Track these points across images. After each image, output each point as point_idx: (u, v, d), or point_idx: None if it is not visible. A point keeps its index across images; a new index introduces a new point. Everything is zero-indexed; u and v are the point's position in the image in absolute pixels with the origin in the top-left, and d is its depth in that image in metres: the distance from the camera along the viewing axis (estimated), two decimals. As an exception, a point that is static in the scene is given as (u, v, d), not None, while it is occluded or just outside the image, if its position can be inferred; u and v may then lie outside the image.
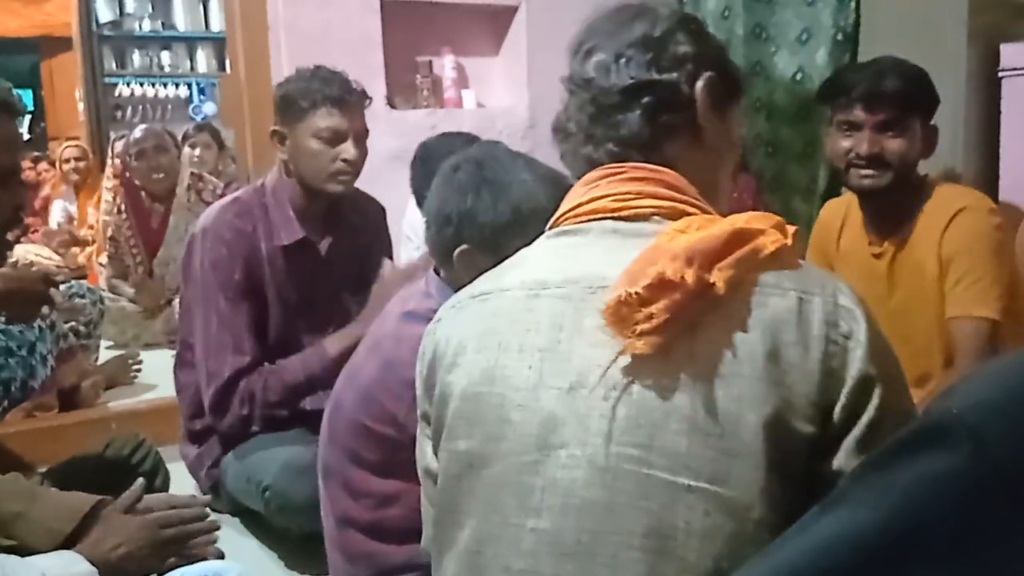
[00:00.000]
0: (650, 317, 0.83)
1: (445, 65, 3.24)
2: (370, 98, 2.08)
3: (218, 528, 1.47)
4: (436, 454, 0.99)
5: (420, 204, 2.39)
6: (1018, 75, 2.21)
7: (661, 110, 0.97)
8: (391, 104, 2.99)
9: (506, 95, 3.36)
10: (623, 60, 0.97)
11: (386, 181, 2.16)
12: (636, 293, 0.83)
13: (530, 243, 1.02)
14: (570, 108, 1.01)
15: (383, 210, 2.32)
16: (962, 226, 1.83)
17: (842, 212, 2.07)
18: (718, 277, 0.83)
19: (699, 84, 0.98)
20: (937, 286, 1.87)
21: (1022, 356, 0.59)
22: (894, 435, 0.59)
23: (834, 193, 2.84)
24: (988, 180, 2.29)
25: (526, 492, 0.87)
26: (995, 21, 2.36)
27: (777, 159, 3.00)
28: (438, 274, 1.47)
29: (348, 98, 1.99)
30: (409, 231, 2.64)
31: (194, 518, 1.42)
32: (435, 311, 1.07)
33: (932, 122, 1.87)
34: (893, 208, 1.92)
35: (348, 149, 1.99)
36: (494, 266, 1.02)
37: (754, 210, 0.96)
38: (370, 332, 1.55)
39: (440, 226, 1.39)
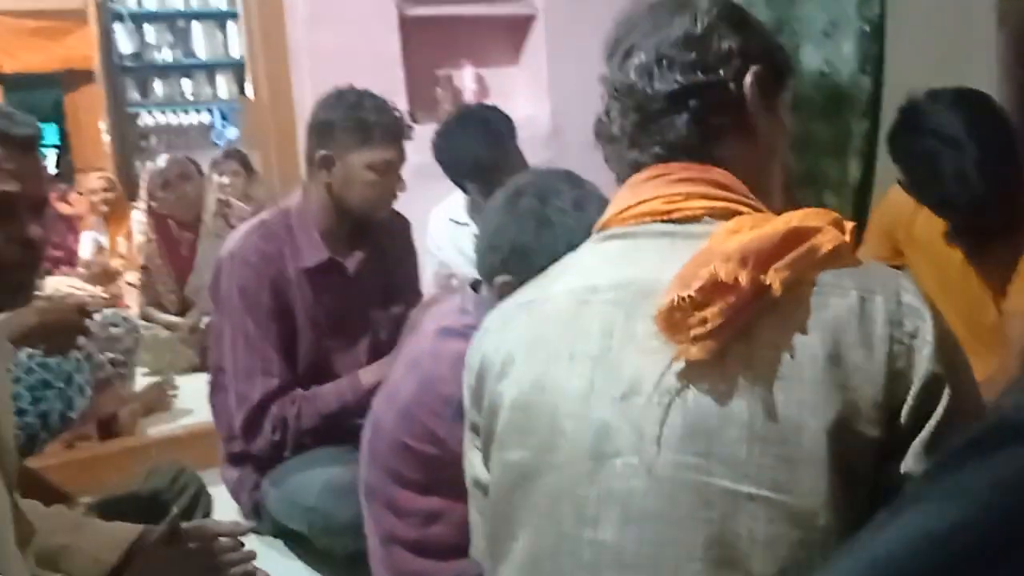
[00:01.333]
0: (704, 322, 0.80)
1: (465, 77, 3.24)
2: (412, 127, 2.14)
3: (254, 557, 1.47)
4: (486, 465, 0.98)
5: (446, 166, 2.43)
6: (1051, 57, 2.16)
7: (710, 112, 0.93)
8: (414, 119, 2.97)
9: (527, 104, 3.35)
10: (665, 62, 0.93)
11: (410, 195, 2.15)
12: (689, 297, 0.80)
13: None
14: (612, 112, 0.98)
15: (409, 224, 2.33)
16: None
17: (912, 199, 2.00)
18: (774, 278, 0.80)
19: (747, 80, 0.94)
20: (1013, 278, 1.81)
21: None
22: (962, 435, 0.57)
23: (866, 186, 2.81)
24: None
25: (581, 502, 0.85)
26: (1024, 4, 2.31)
27: (808, 154, 2.96)
28: (475, 290, 1.47)
29: (403, 133, 2.06)
30: (432, 246, 2.64)
31: (231, 548, 1.42)
32: (472, 327, 1.07)
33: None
34: None
35: (400, 181, 2.08)
36: None
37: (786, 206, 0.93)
38: (406, 351, 1.55)
39: (491, 250, 1.38)
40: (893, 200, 2.11)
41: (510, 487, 0.91)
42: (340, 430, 1.97)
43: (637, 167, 0.96)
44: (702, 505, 0.80)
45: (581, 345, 0.89)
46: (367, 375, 1.99)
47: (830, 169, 2.93)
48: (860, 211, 2.72)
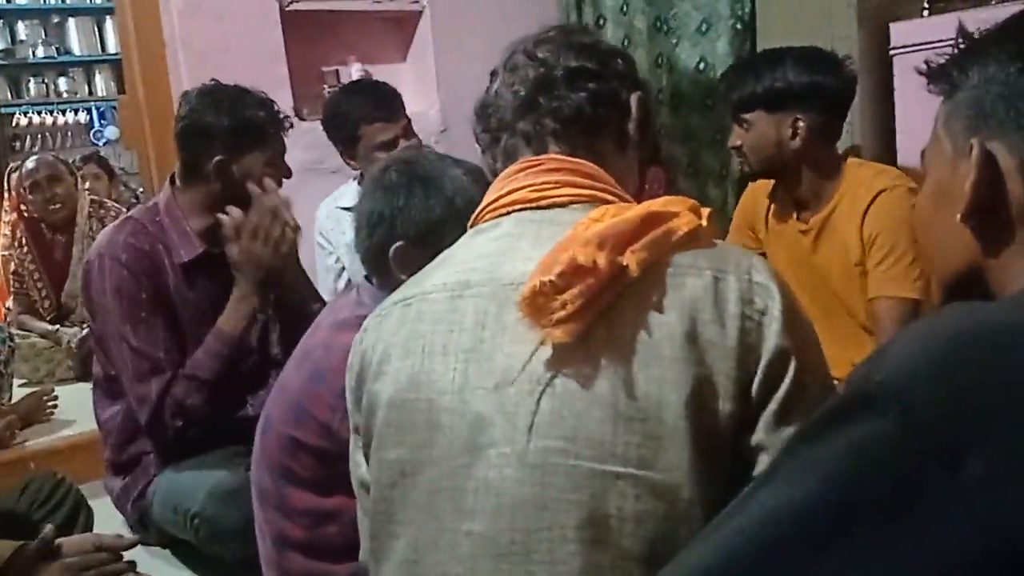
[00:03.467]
0: (565, 305, 0.83)
1: (352, 73, 3.20)
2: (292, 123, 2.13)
3: (133, 568, 1.43)
4: (369, 465, 0.98)
5: (335, 135, 2.45)
6: (907, 52, 2.29)
7: (602, 102, 1.00)
8: (299, 115, 2.94)
9: (416, 101, 3.33)
10: (572, 51, 1.01)
11: (296, 192, 2.12)
12: (550, 281, 0.83)
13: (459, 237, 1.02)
14: (501, 88, 1.03)
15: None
16: (883, 207, 1.90)
17: (768, 191, 2.14)
18: (631, 260, 0.84)
19: (633, 97, 1.03)
20: (860, 263, 1.94)
21: (937, 321, 0.61)
22: (821, 407, 0.60)
23: (744, 178, 2.92)
24: (885, 155, 2.37)
25: (460, 496, 0.86)
26: (883, 2, 2.45)
27: (689, 147, 3.06)
28: (370, 281, 1.46)
29: (286, 124, 2.06)
30: (321, 239, 2.61)
31: (111, 561, 1.38)
32: (366, 318, 1.05)
33: (799, 114, 1.93)
34: (801, 189, 2.03)
35: (286, 168, 2.07)
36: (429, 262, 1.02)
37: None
38: (301, 343, 1.52)
39: (373, 227, 1.38)
40: (751, 192, 2.24)
41: (389, 485, 0.92)
42: (245, 423, 1.88)
43: (527, 138, 1.00)
44: (571, 488, 0.82)
45: (455, 339, 0.90)
46: (225, 322, 1.95)
47: (711, 161, 3.03)
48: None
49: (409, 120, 2.44)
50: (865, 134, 2.42)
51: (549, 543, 0.82)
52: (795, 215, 2.08)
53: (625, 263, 0.83)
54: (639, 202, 0.95)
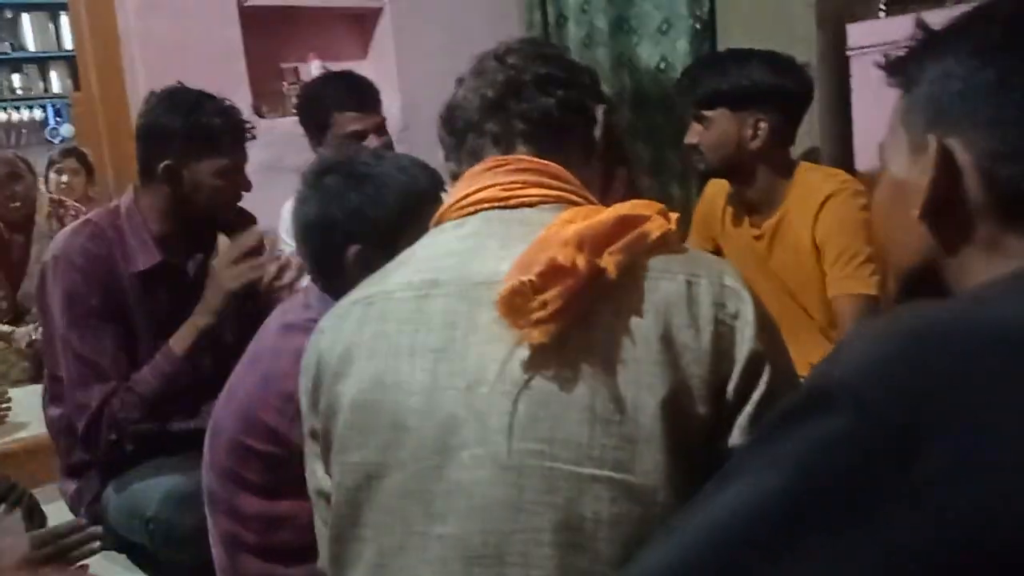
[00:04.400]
0: (544, 305, 0.82)
1: (312, 71, 3.16)
2: (254, 126, 2.08)
3: (100, 533, 1.39)
4: (328, 473, 0.96)
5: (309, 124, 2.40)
6: (864, 53, 2.31)
7: (570, 109, 1.00)
8: (258, 113, 2.91)
9: (377, 99, 3.31)
10: (540, 60, 1.02)
11: (258, 192, 2.09)
12: (530, 281, 0.82)
13: (424, 230, 1.01)
14: (468, 92, 1.02)
15: (255, 221, 2.24)
16: (831, 212, 1.92)
17: (725, 193, 2.15)
18: (609, 262, 0.84)
19: (599, 109, 1.03)
20: (815, 266, 1.96)
21: (892, 319, 0.61)
22: (781, 404, 0.60)
23: (708, 178, 2.93)
24: (843, 156, 2.39)
25: (429, 499, 0.85)
26: (841, 3, 2.47)
27: (651, 145, 3.07)
28: (317, 284, 1.44)
29: (246, 135, 2.02)
30: (287, 236, 2.58)
31: (69, 532, 1.35)
32: (315, 321, 1.04)
33: (761, 114, 1.95)
34: (753, 191, 2.04)
35: (246, 181, 2.03)
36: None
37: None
38: (249, 348, 1.50)
39: (324, 231, 1.35)
40: (709, 194, 2.26)
41: (354, 489, 0.90)
42: (189, 435, 1.87)
43: (495, 139, 0.99)
44: (547, 490, 0.81)
45: (423, 339, 0.89)
46: (177, 341, 1.90)
47: (673, 160, 3.04)
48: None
49: (384, 119, 2.41)
50: (824, 137, 2.45)
51: (523, 546, 0.81)
52: (748, 220, 2.10)
53: (603, 265, 0.83)
54: (603, 204, 0.95)
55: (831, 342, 1.97)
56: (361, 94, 2.37)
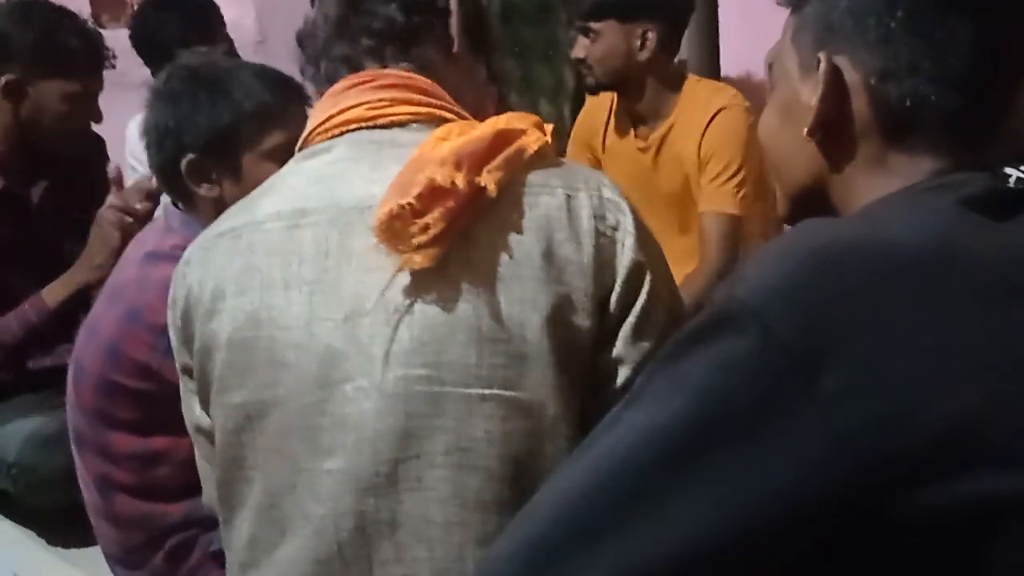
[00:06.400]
0: (426, 228, 0.80)
1: (156, -23, 2.93)
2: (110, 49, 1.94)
3: None
4: (206, 410, 0.93)
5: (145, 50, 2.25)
6: (731, -36, 2.33)
7: (416, 9, 0.94)
8: (98, 23, 2.68)
9: (230, 7, 3.09)
10: None
11: (103, 109, 1.95)
12: (409, 204, 0.80)
13: (260, 145, 0.96)
14: (316, 13, 0.96)
15: (103, 143, 2.14)
16: (721, 125, 1.96)
17: (607, 106, 2.15)
18: (488, 180, 0.82)
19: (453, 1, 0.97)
20: (698, 179, 2.00)
21: (792, 238, 0.62)
22: (684, 327, 0.61)
23: (581, 93, 2.93)
24: (709, 68, 2.42)
25: (314, 434, 0.84)
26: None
27: (522, 61, 3.03)
28: (177, 206, 1.37)
29: (105, 61, 1.90)
30: (133, 160, 2.43)
31: None
32: (181, 247, 0.99)
33: (649, 24, 1.95)
34: (642, 103, 2.04)
35: (97, 111, 1.93)
36: (230, 176, 0.95)
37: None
38: (108, 282, 1.42)
39: (160, 140, 1.30)
40: (588, 108, 2.26)
41: (236, 431, 0.88)
42: (46, 374, 1.80)
43: (345, 61, 0.94)
44: (436, 414, 0.82)
45: (296, 271, 0.86)
46: (50, 293, 1.79)
47: (544, 76, 3.02)
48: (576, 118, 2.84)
49: (231, 41, 2.27)
50: (692, 48, 2.46)
51: (417, 470, 0.82)
52: (633, 133, 2.10)
53: (483, 183, 0.82)
54: (477, 118, 0.93)
55: (696, 257, 2.02)
56: (202, 22, 2.21)
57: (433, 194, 0.80)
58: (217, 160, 1.27)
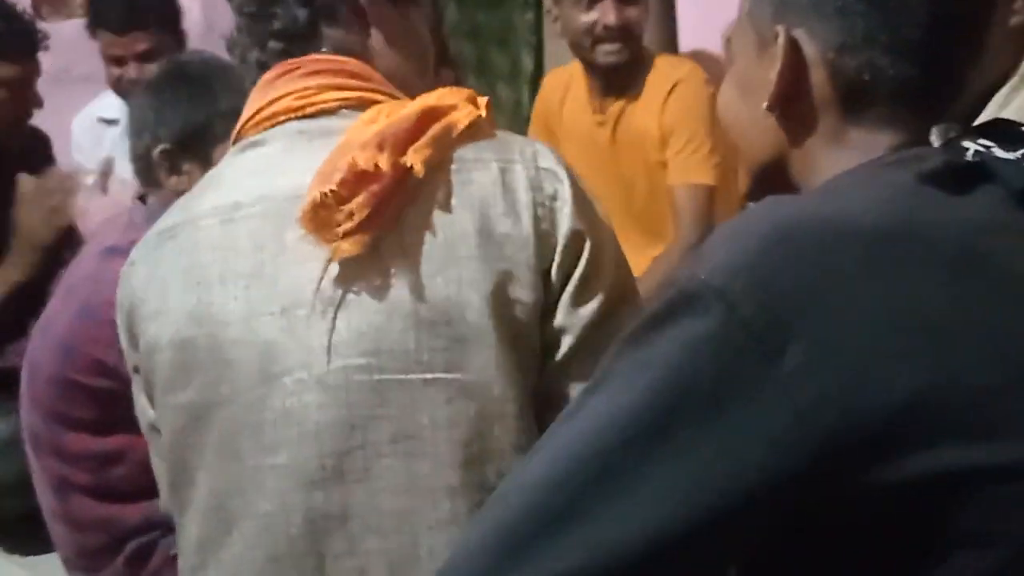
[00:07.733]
0: (351, 215, 0.79)
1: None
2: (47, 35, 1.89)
3: None
4: (155, 410, 0.92)
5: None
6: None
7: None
8: (38, 15, 2.61)
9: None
10: None
11: (47, 106, 1.90)
12: (332, 191, 0.79)
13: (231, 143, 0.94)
14: (236, 14, 0.94)
15: (48, 141, 2.10)
16: (681, 97, 1.95)
17: (564, 83, 2.13)
18: (414, 159, 0.81)
19: None
20: (659, 154, 1.99)
21: (753, 216, 0.62)
22: (647, 309, 0.60)
23: (538, 76, 2.91)
24: (668, 44, 2.42)
25: (258, 431, 0.83)
26: None
27: (478, 44, 3.02)
28: (143, 201, 1.37)
29: (38, 45, 1.87)
30: (80, 158, 2.37)
31: None
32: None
33: None
34: (623, 78, 2.02)
35: (36, 97, 1.88)
36: (200, 172, 0.94)
37: None
38: (64, 279, 1.41)
39: (138, 131, 1.32)
40: (546, 86, 2.25)
41: (182, 432, 0.87)
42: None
43: (262, 68, 0.92)
44: (379, 403, 0.81)
45: (232, 265, 0.85)
46: None
47: (500, 60, 3.01)
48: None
49: (150, 47, 2.06)
50: (649, 26, 2.46)
51: (363, 461, 0.81)
52: (590, 107, 2.08)
53: (409, 164, 0.80)
54: (426, 68, 0.92)
55: (658, 234, 2.02)
56: (119, 9, 2.07)
57: (356, 179, 0.79)
58: (189, 154, 1.28)
